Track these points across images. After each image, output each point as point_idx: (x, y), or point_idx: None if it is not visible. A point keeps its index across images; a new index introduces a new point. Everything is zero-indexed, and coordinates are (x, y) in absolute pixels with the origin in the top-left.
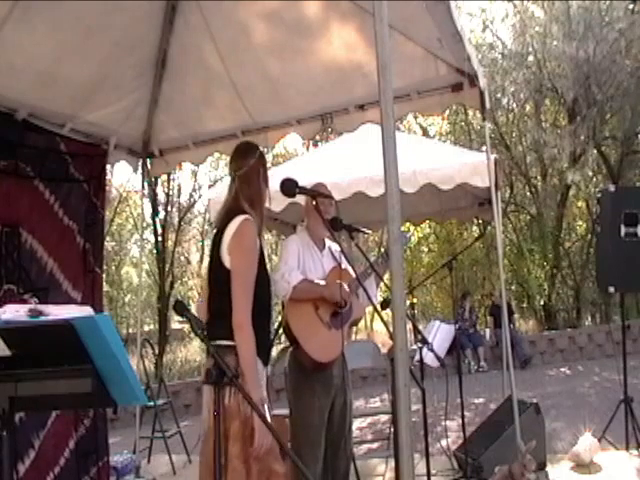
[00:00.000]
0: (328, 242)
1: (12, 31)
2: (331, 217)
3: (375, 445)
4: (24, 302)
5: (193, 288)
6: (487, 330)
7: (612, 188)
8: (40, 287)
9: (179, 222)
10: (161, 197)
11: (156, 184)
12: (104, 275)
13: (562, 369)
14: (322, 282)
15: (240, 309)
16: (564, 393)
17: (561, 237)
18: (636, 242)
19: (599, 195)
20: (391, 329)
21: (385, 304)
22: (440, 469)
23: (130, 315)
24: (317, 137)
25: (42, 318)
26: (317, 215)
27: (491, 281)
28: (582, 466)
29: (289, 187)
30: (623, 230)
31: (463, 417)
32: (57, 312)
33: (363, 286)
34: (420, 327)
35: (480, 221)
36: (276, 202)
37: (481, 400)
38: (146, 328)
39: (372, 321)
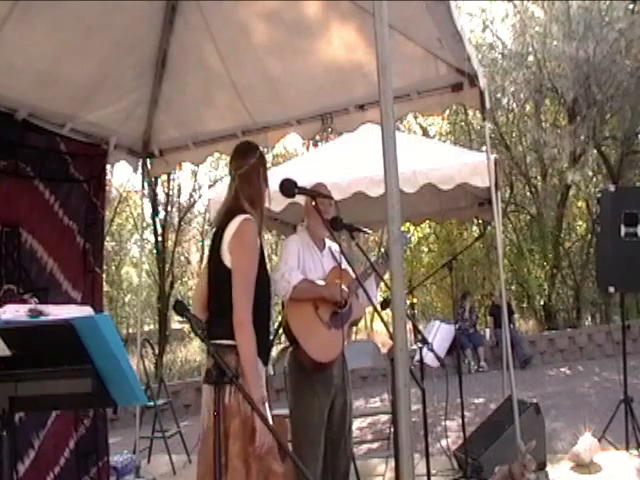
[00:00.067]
0: (328, 242)
1: (12, 31)
2: (331, 217)
3: (375, 445)
4: (24, 302)
5: (193, 288)
6: (487, 330)
7: (612, 188)
8: (40, 287)
9: (179, 222)
10: (161, 197)
11: (156, 184)
12: (104, 275)
13: (562, 369)
14: (322, 282)
15: (241, 308)
16: (564, 393)
17: (561, 237)
18: (636, 242)
19: (599, 195)
20: (391, 329)
21: (385, 304)
22: (440, 469)
23: (130, 315)
24: (317, 137)
25: (42, 318)
26: (317, 215)
27: (491, 281)
28: (582, 466)
29: (288, 187)
30: (623, 230)
31: (463, 417)
32: (57, 312)
33: (363, 286)
34: (420, 327)
35: (480, 221)
36: (276, 202)
37: (481, 400)
38: (146, 328)
39: (372, 321)
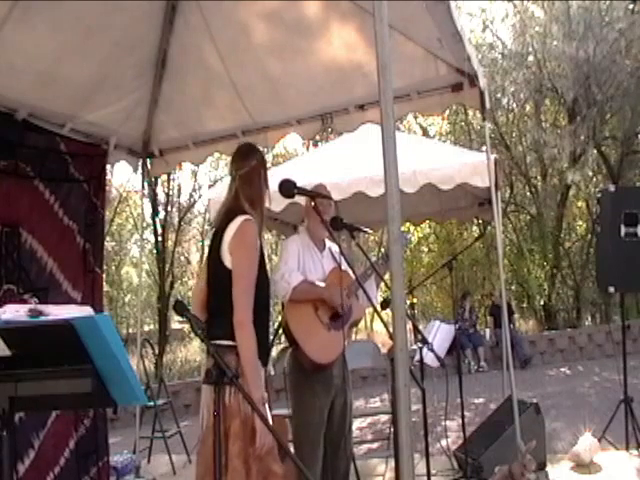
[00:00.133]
0: (328, 243)
1: (12, 31)
2: (331, 217)
3: (375, 445)
4: (24, 302)
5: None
6: (487, 330)
7: (612, 188)
8: (40, 287)
9: (179, 222)
10: (161, 197)
11: (156, 184)
12: (104, 275)
13: (562, 369)
14: (322, 284)
15: (241, 308)
16: (564, 393)
17: (561, 237)
18: (636, 242)
19: (599, 195)
20: (391, 329)
21: (385, 304)
22: (440, 469)
23: (130, 315)
24: (317, 137)
25: (42, 318)
26: (316, 216)
27: (491, 281)
28: (582, 466)
29: (287, 188)
30: (623, 230)
31: (463, 417)
32: (57, 312)
33: (363, 287)
34: (420, 327)
35: (480, 221)
36: (276, 202)
37: (481, 400)
38: (146, 328)
39: (372, 321)
